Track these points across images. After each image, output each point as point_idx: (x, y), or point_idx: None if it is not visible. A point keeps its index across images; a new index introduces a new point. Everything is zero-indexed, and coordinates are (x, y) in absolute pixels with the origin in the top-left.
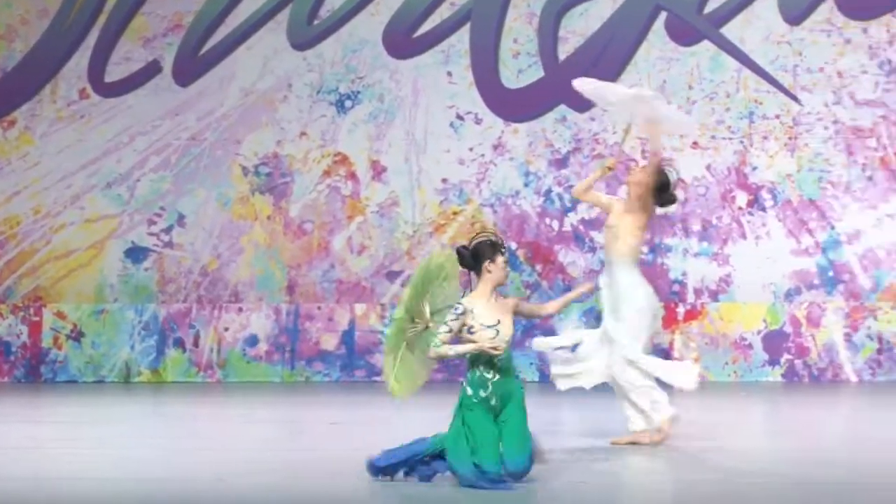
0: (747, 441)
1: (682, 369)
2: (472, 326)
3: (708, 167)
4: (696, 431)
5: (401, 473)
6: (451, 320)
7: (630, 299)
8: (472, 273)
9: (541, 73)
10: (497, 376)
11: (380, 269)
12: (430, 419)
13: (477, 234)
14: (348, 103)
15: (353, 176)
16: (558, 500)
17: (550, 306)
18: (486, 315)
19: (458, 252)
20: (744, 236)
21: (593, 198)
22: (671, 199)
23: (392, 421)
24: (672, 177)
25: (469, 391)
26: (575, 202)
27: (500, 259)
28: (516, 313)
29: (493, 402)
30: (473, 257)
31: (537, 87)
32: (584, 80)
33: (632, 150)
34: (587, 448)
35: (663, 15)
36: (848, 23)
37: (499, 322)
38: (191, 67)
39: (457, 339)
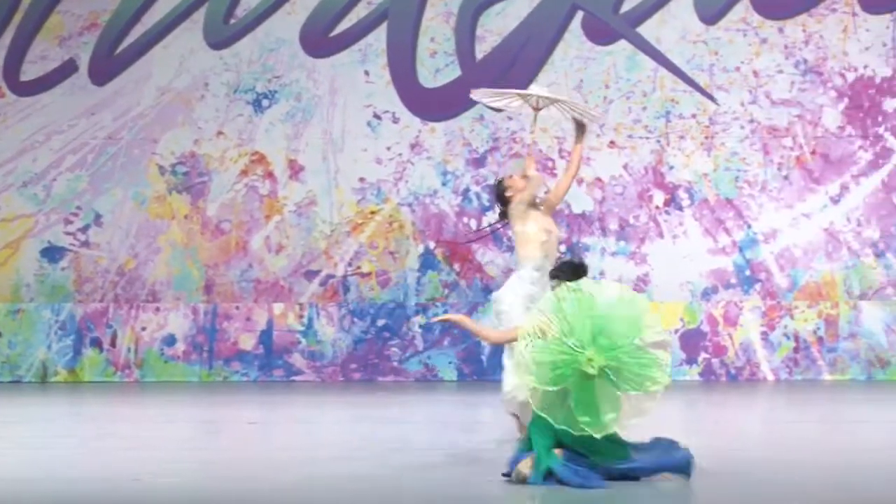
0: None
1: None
2: None
3: (625, 166)
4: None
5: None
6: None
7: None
8: None
9: (458, 73)
10: None
11: (298, 268)
12: (349, 417)
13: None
14: (265, 102)
15: (270, 175)
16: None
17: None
18: None
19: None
20: (661, 235)
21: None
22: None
23: (311, 420)
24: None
25: None
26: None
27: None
28: None
29: None
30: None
31: (454, 86)
32: (480, 90)
33: (549, 150)
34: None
35: (580, 14)
36: (764, 22)
37: None
38: (107, 66)
39: None
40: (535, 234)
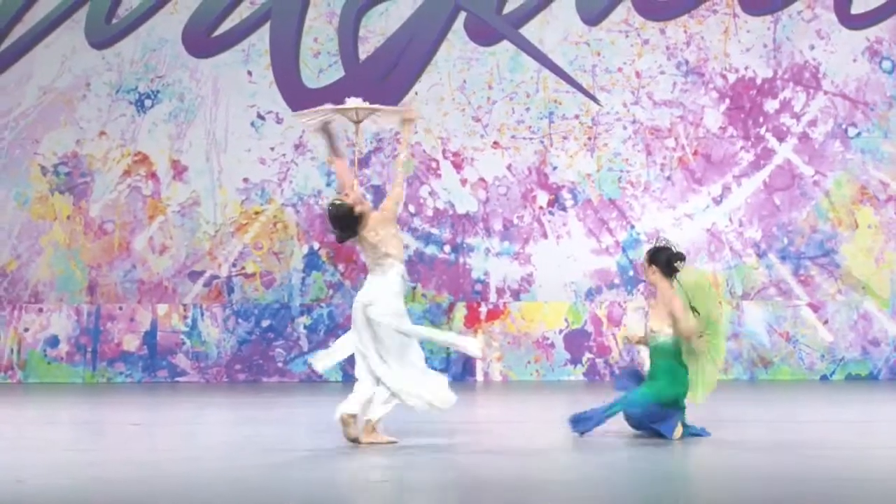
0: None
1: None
2: None
3: (509, 167)
4: (499, 429)
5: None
6: None
7: None
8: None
9: (341, 73)
10: None
11: (182, 269)
12: (233, 418)
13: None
14: (148, 102)
15: (153, 175)
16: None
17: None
18: None
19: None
20: (545, 236)
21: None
22: None
23: (195, 422)
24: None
25: None
26: (378, 200)
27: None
28: None
29: None
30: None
31: (338, 87)
32: (300, 112)
33: (432, 150)
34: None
35: (463, 15)
36: (645, 24)
37: None
38: None
39: None
40: (397, 233)
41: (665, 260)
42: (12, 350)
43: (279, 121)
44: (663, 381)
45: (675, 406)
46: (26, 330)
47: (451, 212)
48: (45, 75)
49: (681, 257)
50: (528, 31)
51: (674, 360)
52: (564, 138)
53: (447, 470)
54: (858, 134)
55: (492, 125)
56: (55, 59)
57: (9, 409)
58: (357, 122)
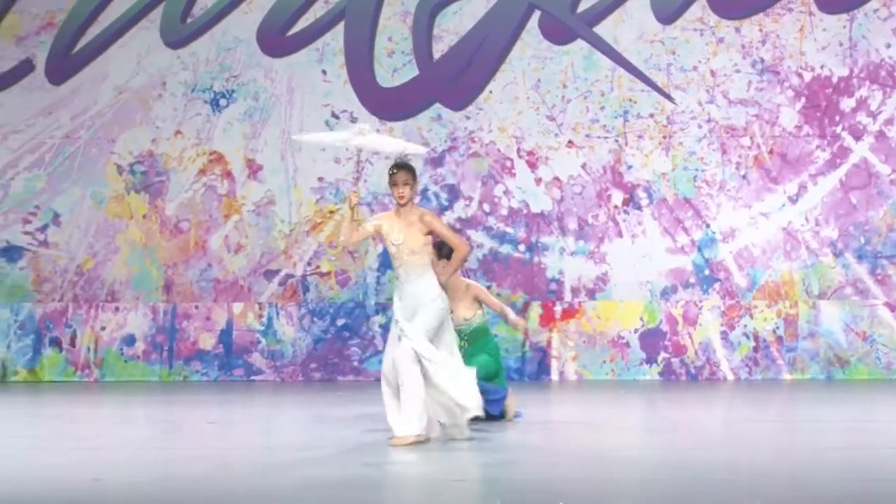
0: (625, 439)
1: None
2: None
3: (583, 166)
4: (574, 430)
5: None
6: None
7: None
8: None
9: (415, 72)
10: None
11: (257, 267)
12: (308, 416)
13: None
14: (223, 101)
15: (228, 174)
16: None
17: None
18: None
19: None
20: (620, 235)
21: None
22: None
23: (270, 420)
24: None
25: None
26: (453, 199)
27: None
28: None
29: None
30: None
31: (412, 86)
32: (301, 136)
33: (507, 149)
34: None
35: (537, 14)
36: (720, 22)
37: None
38: (64, 66)
39: None
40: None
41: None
42: (89, 349)
43: (353, 120)
44: (485, 356)
45: (500, 382)
46: (103, 329)
47: (525, 211)
48: (121, 75)
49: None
50: (603, 29)
51: (489, 335)
52: (639, 137)
53: (524, 470)
54: None
55: (566, 124)
56: (131, 58)
57: (86, 408)
58: (360, 151)
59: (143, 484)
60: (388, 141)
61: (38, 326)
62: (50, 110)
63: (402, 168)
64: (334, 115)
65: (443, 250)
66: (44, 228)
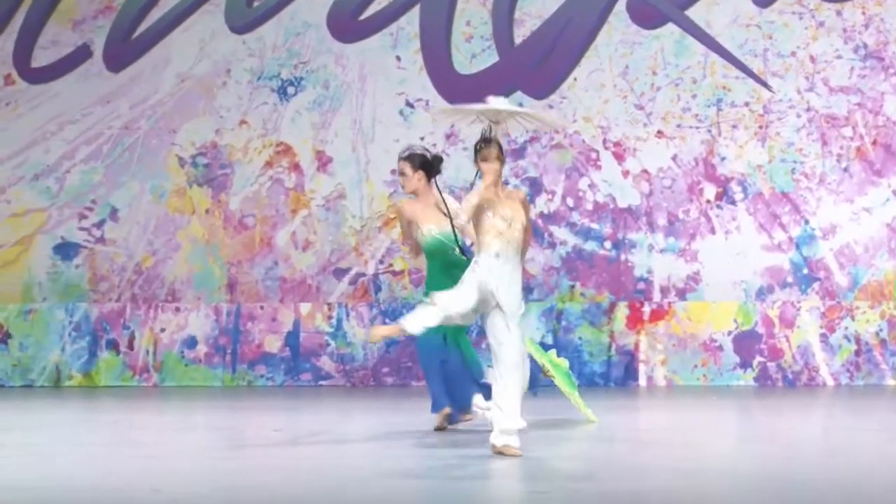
0: (717, 448)
1: None
2: None
3: (674, 158)
4: (665, 437)
5: None
6: None
7: None
8: None
9: (495, 58)
10: None
11: (326, 266)
12: (380, 424)
13: None
14: (291, 90)
15: (296, 167)
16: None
17: None
18: None
19: None
20: (713, 231)
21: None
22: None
23: (339, 427)
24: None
25: None
26: (534, 193)
27: None
28: None
29: None
30: None
31: (492, 73)
32: (437, 108)
33: (592, 140)
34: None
35: None
36: (821, 5)
37: None
38: (123, 52)
39: None
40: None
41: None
42: (148, 351)
43: (429, 109)
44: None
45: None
46: (162, 330)
47: (611, 205)
48: (183, 61)
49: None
50: (695, 12)
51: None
52: (733, 127)
53: (610, 482)
54: None
55: (656, 113)
56: (193, 44)
57: (145, 414)
58: (496, 124)
59: (205, 495)
60: (530, 111)
61: (94, 328)
62: (108, 99)
63: (491, 143)
64: (409, 104)
65: (430, 171)
66: (100, 224)
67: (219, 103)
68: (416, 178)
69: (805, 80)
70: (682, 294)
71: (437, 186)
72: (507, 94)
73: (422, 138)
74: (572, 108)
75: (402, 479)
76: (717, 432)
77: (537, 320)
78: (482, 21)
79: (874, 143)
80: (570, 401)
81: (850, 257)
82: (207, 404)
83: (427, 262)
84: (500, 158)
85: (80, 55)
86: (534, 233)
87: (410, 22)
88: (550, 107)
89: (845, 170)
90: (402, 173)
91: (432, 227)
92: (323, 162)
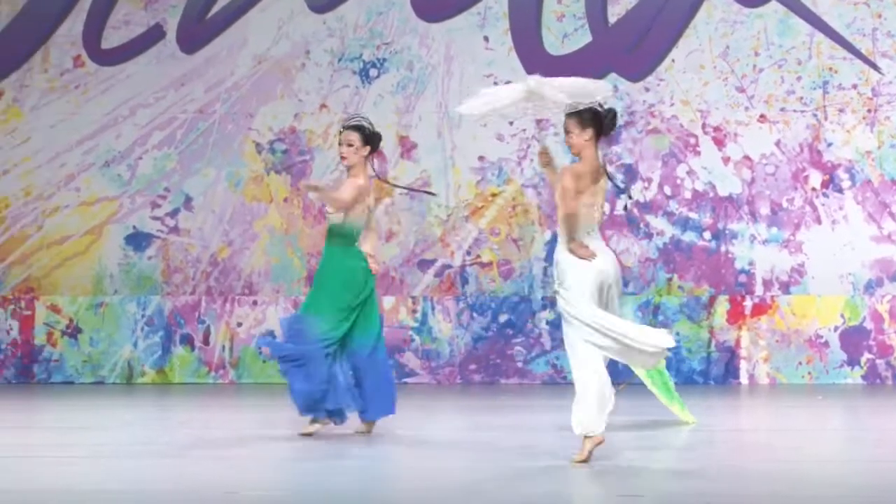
0: (823, 451)
1: None
2: None
3: (777, 143)
4: (767, 439)
5: None
6: None
7: None
8: None
9: (588, 38)
10: None
11: (410, 257)
12: (467, 423)
13: None
14: (373, 72)
15: (379, 153)
16: None
17: None
18: None
19: None
20: (818, 221)
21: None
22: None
23: (424, 426)
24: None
25: None
26: (630, 181)
27: None
28: None
29: None
30: None
31: (584, 54)
32: (467, 106)
33: (691, 125)
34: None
35: None
36: None
37: None
38: (197, 32)
39: None
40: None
41: None
42: (224, 347)
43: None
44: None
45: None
46: (239, 325)
47: (711, 194)
48: (261, 42)
49: None
50: None
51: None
52: (840, 111)
53: (707, 485)
54: None
55: (758, 96)
56: (271, 24)
57: (221, 413)
58: (538, 120)
59: (282, 498)
60: (564, 83)
61: (167, 322)
62: (182, 82)
63: (571, 116)
64: (497, 86)
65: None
66: (174, 213)
67: (297, 86)
68: (363, 153)
69: None
70: (785, 287)
71: (373, 167)
72: (600, 77)
73: (511, 123)
74: (670, 91)
75: (494, 482)
76: (823, 434)
77: (633, 314)
78: None
79: None
80: (670, 409)
81: None
82: (286, 402)
83: (335, 248)
84: (573, 131)
85: (153, 36)
86: (628, 222)
87: (499, 1)
88: (647, 89)
89: None
90: (348, 144)
91: (356, 216)
92: (407, 148)
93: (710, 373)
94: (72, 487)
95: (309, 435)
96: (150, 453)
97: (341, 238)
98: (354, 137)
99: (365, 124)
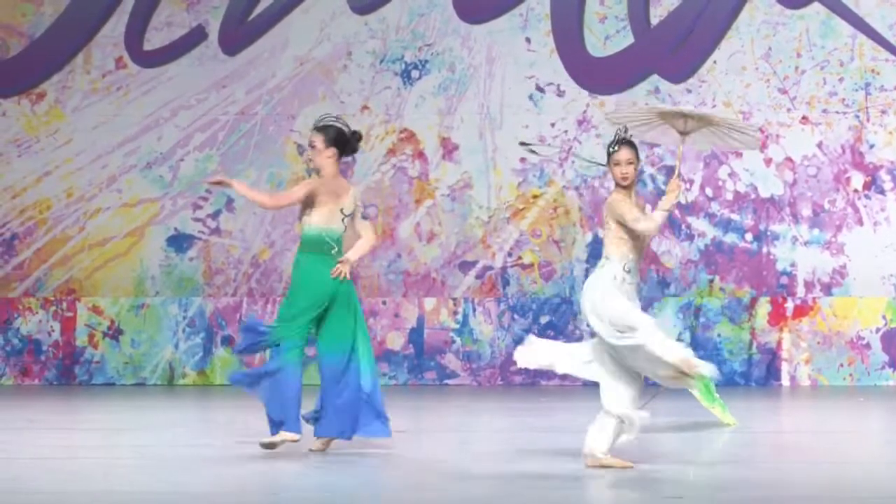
0: (864, 453)
1: None
2: None
3: (819, 145)
4: (809, 441)
5: None
6: None
7: None
8: None
9: (630, 40)
10: None
11: (452, 258)
12: (508, 425)
13: None
14: (415, 73)
15: (420, 155)
16: None
17: None
18: None
19: None
20: (860, 222)
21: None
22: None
23: (466, 428)
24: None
25: None
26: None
27: None
28: None
29: None
30: None
31: (627, 55)
32: (615, 114)
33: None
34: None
35: None
36: None
37: None
38: (239, 34)
39: None
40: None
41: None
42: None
43: (560, 93)
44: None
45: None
46: None
47: (753, 195)
48: (302, 43)
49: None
50: None
51: None
52: (883, 112)
53: (747, 488)
54: None
55: (800, 98)
56: (313, 25)
57: (262, 414)
58: (684, 134)
59: (324, 500)
60: (723, 119)
61: (208, 324)
62: (224, 83)
63: (624, 144)
64: (539, 89)
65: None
66: (216, 215)
67: (339, 88)
68: (327, 155)
69: None
70: (827, 289)
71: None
72: (642, 79)
73: (552, 124)
74: (712, 93)
75: (535, 483)
76: (865, 437)
77: (674, 316)
78: (617, 1)
79: None
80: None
81: None
82: None
83: (298, 253)
84: (634, 162)
85: (195, 37)
86: (670, 224)
87: (541, 2)
88: (689, 91)
89: None
90: (311, 145)
91: (319, 219)
92: (448, 149)
93: (751, 374)
94: (115, 489)
95: (273, 446)
96: (191, 455)
97: (308, 244)
98: (318, 139)
99: (335, 125)
